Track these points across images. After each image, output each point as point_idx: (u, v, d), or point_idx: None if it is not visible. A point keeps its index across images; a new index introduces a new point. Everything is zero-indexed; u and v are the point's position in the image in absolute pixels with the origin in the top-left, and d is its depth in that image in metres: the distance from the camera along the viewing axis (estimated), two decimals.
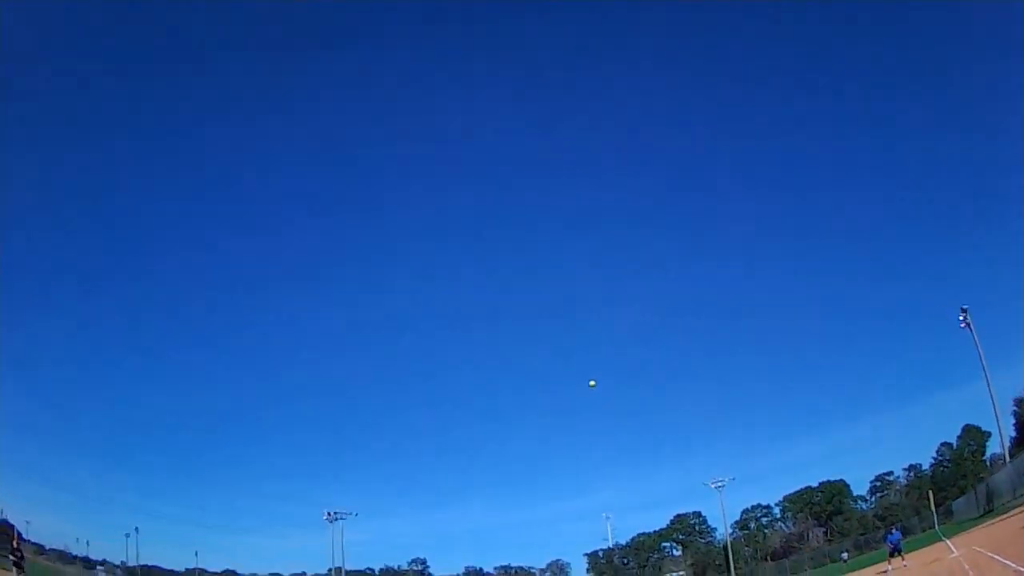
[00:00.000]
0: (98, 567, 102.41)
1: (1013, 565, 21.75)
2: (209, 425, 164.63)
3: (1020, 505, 39.44)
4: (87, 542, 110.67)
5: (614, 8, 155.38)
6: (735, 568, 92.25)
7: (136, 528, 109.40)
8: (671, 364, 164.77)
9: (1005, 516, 39.55)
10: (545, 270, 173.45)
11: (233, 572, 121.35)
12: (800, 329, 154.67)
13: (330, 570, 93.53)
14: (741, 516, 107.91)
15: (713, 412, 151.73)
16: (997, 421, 59.36)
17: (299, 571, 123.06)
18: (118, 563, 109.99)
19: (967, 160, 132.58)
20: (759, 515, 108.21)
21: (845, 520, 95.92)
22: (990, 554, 26.25)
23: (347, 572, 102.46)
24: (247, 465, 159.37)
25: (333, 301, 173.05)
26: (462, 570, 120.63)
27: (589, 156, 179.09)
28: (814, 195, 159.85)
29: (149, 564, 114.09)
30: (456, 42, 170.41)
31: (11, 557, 46.62)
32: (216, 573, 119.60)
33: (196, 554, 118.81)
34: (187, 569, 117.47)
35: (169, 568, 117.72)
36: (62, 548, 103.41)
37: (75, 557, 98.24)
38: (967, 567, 26.28)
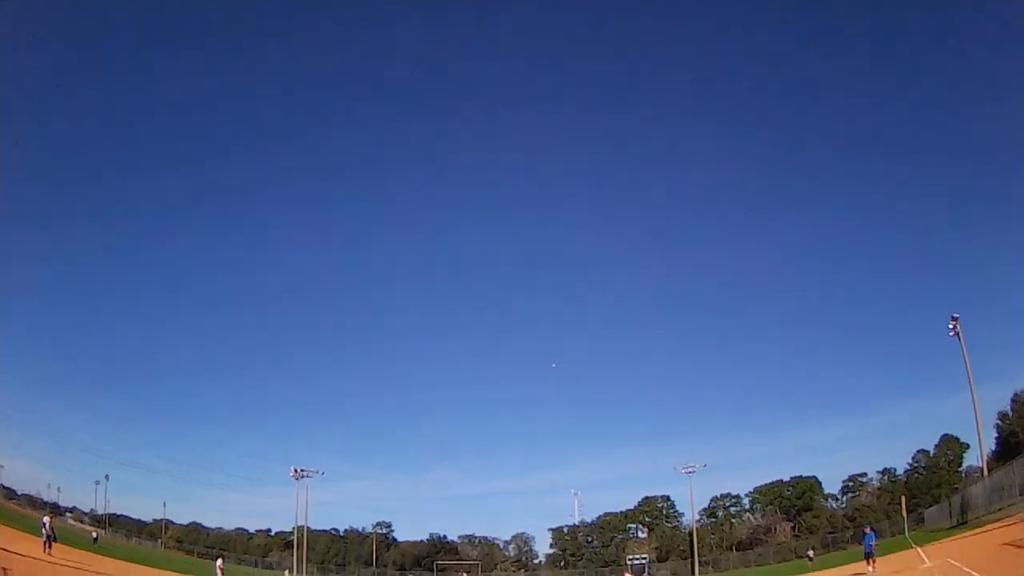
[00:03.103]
0: (67, 514, 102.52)
1: None
2: (185, 374, 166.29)
3: (995, 521, 38.52)
4: (58, 489, 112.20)
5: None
6: (699, 555, 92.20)
7: (106, 476, 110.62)
8: (651, 346, 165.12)
9: (979, 530, 38.63)
10: (520, 246, 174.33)
11: (199, 526, 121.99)
12: (786, 322, 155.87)
13: (295, 528, 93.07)
14: (709, 503, 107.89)
15: (690, 397, 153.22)
16: (979, 433, 57.98)
17: (264, 528, 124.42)
18: (87, 510, 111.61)
19: (971, 163, 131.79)
20: (728, 504, 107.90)
21: (814, 517, 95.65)
22: (966, 569, 25.29)
23: (312, 531, 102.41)
24: (220, 418, 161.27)
25: (313, 254, 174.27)
26: (426, 537, 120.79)
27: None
28: (808, 191, 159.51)
29: (117, 513, 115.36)
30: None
31: None
32: (182, 526, 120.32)
33: (164, 505, 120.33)
34: (154, 520, 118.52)
35: (137, 518, 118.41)
36: (34, 494, 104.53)
37: (45, 503, 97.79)
38: None
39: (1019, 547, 25.50)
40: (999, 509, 41.00)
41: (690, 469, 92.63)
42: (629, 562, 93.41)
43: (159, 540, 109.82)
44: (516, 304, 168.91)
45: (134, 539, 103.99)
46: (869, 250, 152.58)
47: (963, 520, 48.58)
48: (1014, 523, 32.60)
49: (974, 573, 23.72)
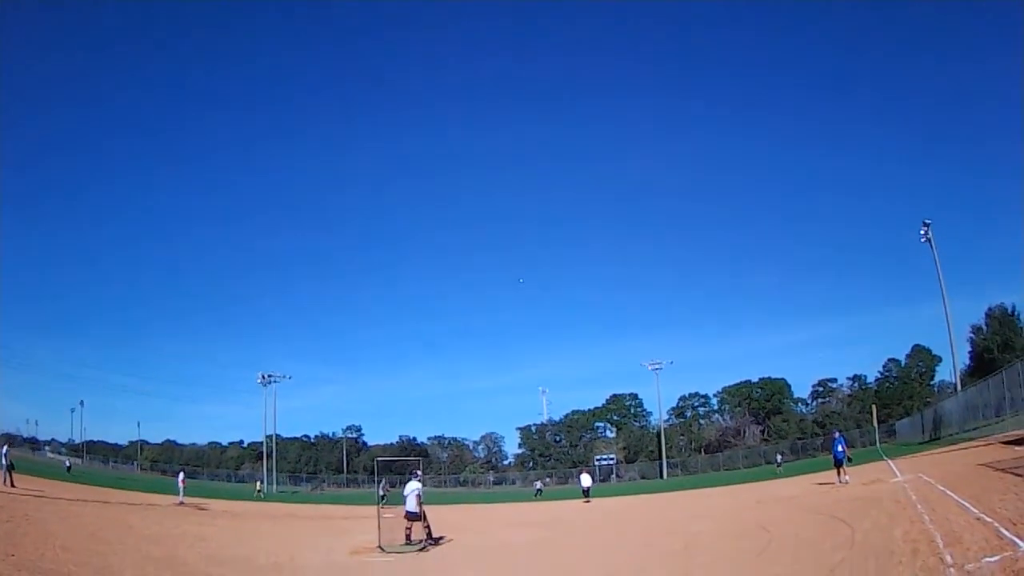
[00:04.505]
0: (45, 448, 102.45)
1: (973, 508, 20.17)
2: (153, 287, 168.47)
3: (968, 440, 38.40)
4: (36, 422, 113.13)
5: None
6: (667, 455, 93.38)
7: (81, 402, 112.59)
8: (617, 241, 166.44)
9: (952, 448, 38.51)
10: (494, 141, 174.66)
11: (173, 443, 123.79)
12: (758, 220, 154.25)
13: (266, 437, 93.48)
14: (678, 403, 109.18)
15: (659, 292, 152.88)
16: (951, 345, 57.97)
17: (237, 439, 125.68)
18: (64, 441, 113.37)
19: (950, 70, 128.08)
20: (696, 404, 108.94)
21: (783, 421, 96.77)
22: (940, 487, 24.71)
23: (282, 440, 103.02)
24: (189, 329, 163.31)
25: (281, 157, 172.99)
26: (396, 439, 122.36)
27: None
28: (782, 91, 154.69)
29: (94, 440, 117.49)
30: None
31: None
32: (157, 445, 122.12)
33: (139, 425, 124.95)
34: (130, 442, 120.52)
35: (113, 442, 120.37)
36: (13, 431, 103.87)
37: (24, 440, 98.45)
38: (914, 498, 24.79)
39: (996, 470, 25.04)
40: (973, 428, 40.82)
41: (657, 366, 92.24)
42: (596, 462, 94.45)
43: (135, 462, 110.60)
44: (484, 200, 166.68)
45: (111, 464, 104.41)
46: (846, 151, 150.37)
47: (936, 436, 48.70)
48: (990, 444, 32.23)
49: (951, 494, 23.06)
